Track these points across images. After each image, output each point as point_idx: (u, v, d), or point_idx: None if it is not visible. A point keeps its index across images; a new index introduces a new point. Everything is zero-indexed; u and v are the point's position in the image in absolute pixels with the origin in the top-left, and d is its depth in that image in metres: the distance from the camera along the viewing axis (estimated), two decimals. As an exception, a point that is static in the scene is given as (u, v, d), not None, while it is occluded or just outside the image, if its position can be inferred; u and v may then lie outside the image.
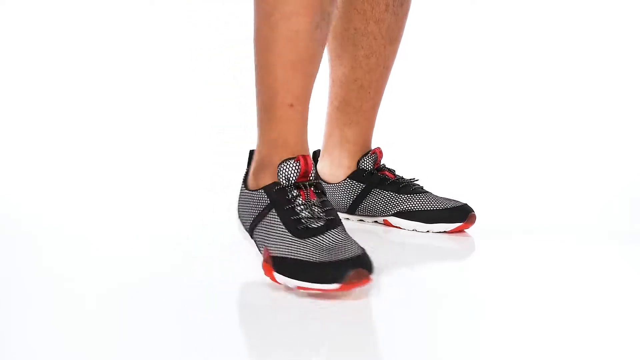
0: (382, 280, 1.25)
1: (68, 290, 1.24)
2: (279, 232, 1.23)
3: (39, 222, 1.66)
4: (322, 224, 1.21)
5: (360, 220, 1.64)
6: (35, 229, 1.60)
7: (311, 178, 1.26)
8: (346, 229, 1.26)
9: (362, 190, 1.62)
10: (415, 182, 1.62)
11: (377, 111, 1.65)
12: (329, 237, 1.19)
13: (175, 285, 1.26)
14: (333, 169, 1.65)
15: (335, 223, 1.22)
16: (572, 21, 2.60)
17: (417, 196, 1.58)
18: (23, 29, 2.55)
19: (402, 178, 1.62)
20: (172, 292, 1.22)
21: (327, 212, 1.24)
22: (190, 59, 2.58)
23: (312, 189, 1.26)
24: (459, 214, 1.54)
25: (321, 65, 1.34)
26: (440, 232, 1.55)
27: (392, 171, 1.63)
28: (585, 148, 2.34)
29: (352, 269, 1.14)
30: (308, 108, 1.30)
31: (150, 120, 2.49)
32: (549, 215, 1.73)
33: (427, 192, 1.59)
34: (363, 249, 1.17)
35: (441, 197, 1.57)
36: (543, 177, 2.09)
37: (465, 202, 1.56)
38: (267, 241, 1.24)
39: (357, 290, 1.18)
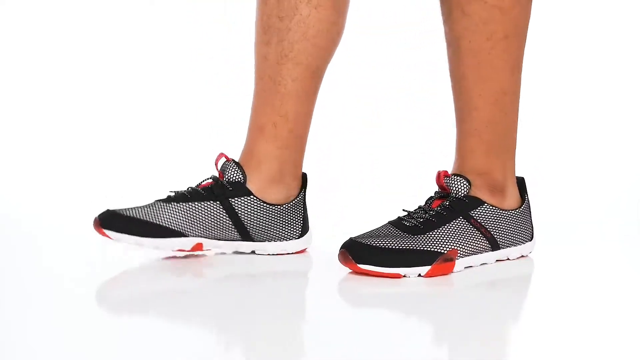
0: (372, 283, 1.25)
1: (68, 290, 1.23)
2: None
3: (39, 222, 1.66)
4: None
5: None
6: (35, 229, 1.60)
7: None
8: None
9: None
10: None
11: None
12: None
13: (175, 284, 1.26)
14: None
15: None
16: (572, 20, 2.60)
17: None
18: (23, 29, 2.54)
19: None
20: (172, 291, 1.22)
21: None
22: (191, 59, 2.58)
23: None
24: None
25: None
26: None
27: None
28: (589, 147, 2.33)
29: None
30: None
31: (150, 121, 2.48)
32: (552, 215, 1.72)
33: None
34: None
35: None
36: (545, 177, 2.09)
37: None
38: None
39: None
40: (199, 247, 1.35)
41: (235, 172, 1.37)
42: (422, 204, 1.33)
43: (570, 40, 2.55)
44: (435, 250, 1.26)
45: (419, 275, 1.25)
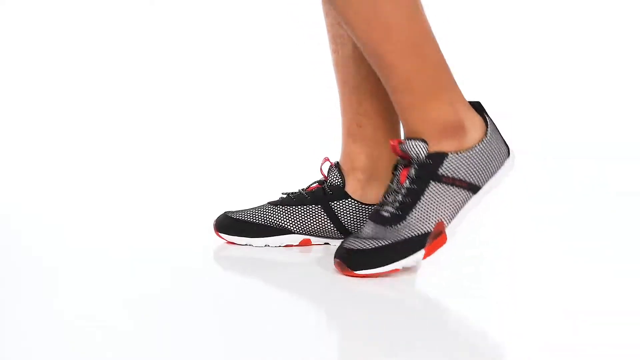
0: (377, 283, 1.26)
1: (67, 290, 1.24)
2: None
3: (39, 222, 1.66)
4: None
5: None
6: (35, 229, 1.61)
7: None
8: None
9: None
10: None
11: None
12: None
13: (174, 287, 1.26)
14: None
15: None
16: (569, 23, 2.60)
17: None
18: (23, 29, 2.55)
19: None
20: (172, 294, 1.22)
21: None
22: (192, 60, 2.58)
23: None
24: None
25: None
26: None
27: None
28: (586, 147, 2.34)
29: None
30: None
31: (150, 121, 2.49)
32: (557, 216, 1.72)
33: None
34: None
35: None
36: (547, 176, 2.09)
37: None
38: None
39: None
40: (307, 242, 1.44)
41: (335, 176, 1.43)
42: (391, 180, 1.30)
43: (569, 44, 2.55)
44: (422, 232, 1.25)
45: (417, 261, 1.25)
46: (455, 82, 1.30)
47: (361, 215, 1.43)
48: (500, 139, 1.32)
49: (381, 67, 1.26)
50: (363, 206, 1.43)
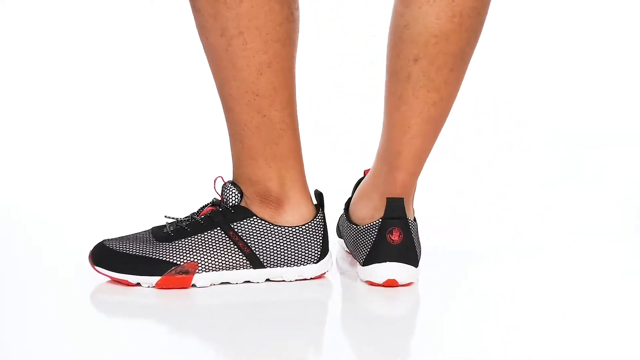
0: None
1: (67, 291, 1.23)
2: None
3: (39, 222, 1.65)
4: None
5: None
6: (35, 229, 1.60)
7: None
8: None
9: None
10: None
11: None
12: None
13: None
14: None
15: None
16: (566, 28, 2.58)
17: None
18: (23, 29, 2.55)
19: None
20: (171, 295, 1.20)
21: None
22: (191, 60, 2.57)
23: None
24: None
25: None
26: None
27: None
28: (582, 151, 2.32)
29: None
30: None
31: (150, 121, 2.47)
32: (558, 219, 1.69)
33: None
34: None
35: None
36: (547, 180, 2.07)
37: None
38: None
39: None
40: None
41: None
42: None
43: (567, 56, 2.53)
44: (170, 260, 1.20)
45: (151, 285, 1.20)
46: (298, 155, 1.24)
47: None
48: (319, 240, 1.24)
49: (223, 107, 1.23)
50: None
